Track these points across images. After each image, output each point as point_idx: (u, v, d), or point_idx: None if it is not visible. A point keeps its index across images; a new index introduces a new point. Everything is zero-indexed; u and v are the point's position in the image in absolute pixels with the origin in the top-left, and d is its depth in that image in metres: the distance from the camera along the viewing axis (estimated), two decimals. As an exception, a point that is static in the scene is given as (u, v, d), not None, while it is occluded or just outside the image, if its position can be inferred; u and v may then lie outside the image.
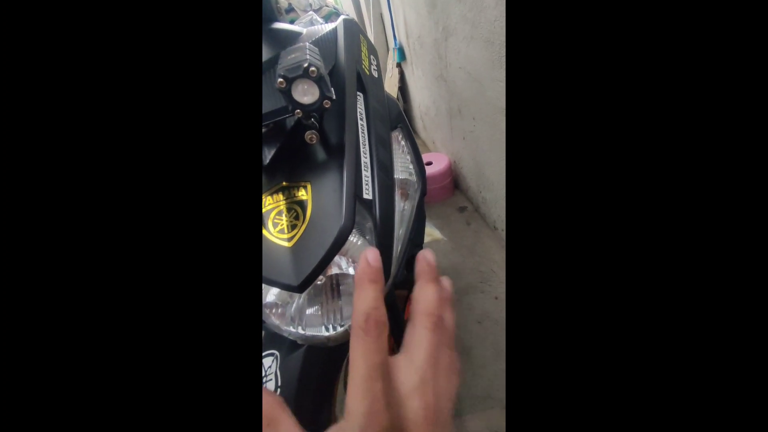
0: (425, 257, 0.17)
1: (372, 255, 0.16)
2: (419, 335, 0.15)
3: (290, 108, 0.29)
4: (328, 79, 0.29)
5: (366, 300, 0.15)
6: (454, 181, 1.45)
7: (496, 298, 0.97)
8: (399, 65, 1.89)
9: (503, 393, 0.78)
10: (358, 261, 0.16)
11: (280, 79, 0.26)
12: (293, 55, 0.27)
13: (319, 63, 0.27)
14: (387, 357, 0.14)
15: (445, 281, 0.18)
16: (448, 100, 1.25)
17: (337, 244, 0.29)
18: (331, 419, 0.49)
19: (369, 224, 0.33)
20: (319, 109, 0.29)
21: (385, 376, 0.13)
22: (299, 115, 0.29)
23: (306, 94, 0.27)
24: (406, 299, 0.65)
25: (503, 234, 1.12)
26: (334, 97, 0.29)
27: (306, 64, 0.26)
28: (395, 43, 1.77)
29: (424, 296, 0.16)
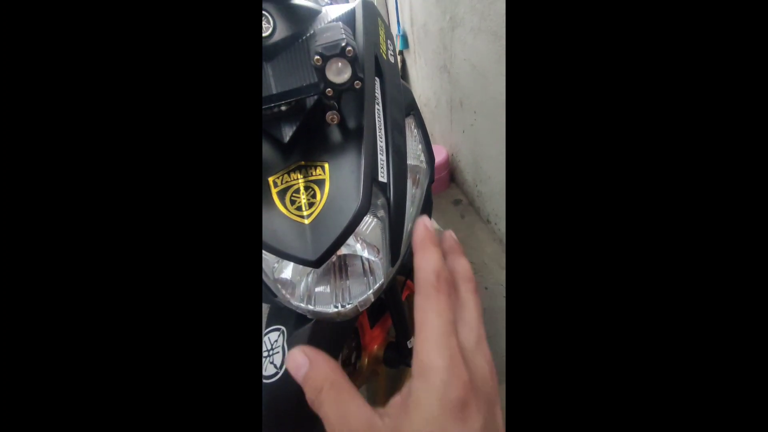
0: (424, 223, 0.17)
1: (427, 221, 0.17)
2: (464, 299, 0.16)
3: (322, 86, 0.29)
4: (362, 60, 0.29)
5: (432, 260, 0.15)
6: (450, 174, 1.47)
7: (486, 288, 1.01)
8: (401, 53, 1.87)
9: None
10: (415, 227, 0.16)
11: (317, 57, 0.27)
12: (329, 33, 0.27)
13: (355, 43, 0.28)
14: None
15: (448, 233, 0.18)
16: (450, 92, 1.25)
17: (354, 224, 0.31)
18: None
19: (381, 207, 0.34)
20: (350, 89, 0.29)
21: (457, 334, 0.13)
22: (330, 94, 0.29)
23: (340, 73, 0.28)
24: (403, 285, 0.67)
25: (496, 227, 1.15)
26: (365, 78, 0.30)
27: (344, 44, 0.26)
28: (399, 29, 1.74)
29: (458, 265, 0.17)
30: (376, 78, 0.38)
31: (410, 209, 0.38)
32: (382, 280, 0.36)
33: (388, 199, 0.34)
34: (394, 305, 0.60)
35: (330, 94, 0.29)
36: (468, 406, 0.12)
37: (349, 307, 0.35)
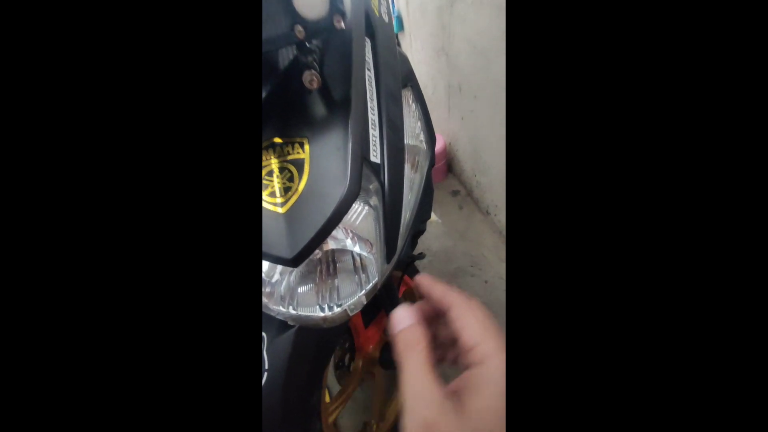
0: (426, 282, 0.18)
1: (427, 281, 0.18)
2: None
3: (289, 23, 0.22)
4: None
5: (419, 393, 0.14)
6: (448, 163, 1.41)
7: (486, 282, 0.97)
8: (396, 36, 1.78)
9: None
10: (396, 320, 0.16)
11: None
12: None
13: None
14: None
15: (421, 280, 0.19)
16: (447, 76, 1.19)
17: (340, 212, 0.25)
18: (321, 401, 0.47)
19: (374, 193, 0.28)
20: (328, 29, 0.22)
21: None
22: (301, 36, 0.22)
23: (312, 4, 0.21)
24: (400, 280, 0.62)
25: (496, 218, 1.11)
26: (347, 14, 0.23)
27: None
28: (393, 10, 1.65)
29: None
30: (367, 39, 0.32)
31: (408, 196, 0.32)
32: (376, 278, 0.30)
33: (381, 183, 0.28)
34: (390, 304, 0.55)
35: (301, 36, 0.22)
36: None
37: (337, 311, 0.30)
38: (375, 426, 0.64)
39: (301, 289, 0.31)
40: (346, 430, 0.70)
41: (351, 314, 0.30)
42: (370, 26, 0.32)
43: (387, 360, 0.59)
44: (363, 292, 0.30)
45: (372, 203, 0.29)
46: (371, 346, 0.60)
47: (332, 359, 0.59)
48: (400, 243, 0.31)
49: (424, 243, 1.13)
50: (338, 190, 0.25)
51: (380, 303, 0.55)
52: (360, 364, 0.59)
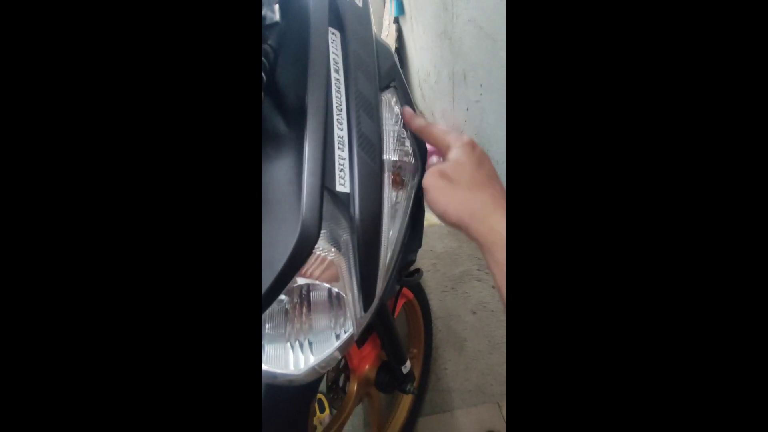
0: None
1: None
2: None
3: None
4: None
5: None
6: (453, 157, 1.33)
7: (494, 287, 0.91)
8: (396, 21, 1.66)
9: (496, 388, 0.75)
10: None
11: None
12: None
13: None
14: None
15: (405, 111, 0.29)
16: (451, 63, 1.09)
17: (294, 263, 0.20)
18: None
19: (343, 232, 0.23)
20: (284, 24, 0.18)
21: None
22: None
23: None
24: (397, 295, 0.57)
25: (504, 218, 1.04)
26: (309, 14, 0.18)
27: None
28: (393, -8, 1.53)
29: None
30: (334, 31, 0.25)
31: (389, 224, 0.27)
32: (352, 330, 0.25)
33: (352, 218, 0.23)
34: (383, 328, 0.50)
35: None
36: (475, 144, 0.26)
37: (306, 369, 0.25)
38: (373, 451, 0.61)
39: (269, 348, 0.26)
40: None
41: (322, 372, 0.25)
42: (337, 13, 0.25)
43: (384, 382, 0.55)
44: (337, 345, 0.25)
45: (341, 244, 0.23)
46: (367, 367, 0.56)
47: (325, 381, 0.55)
48: (380, 286, 0.26)
49: (428, 244, 1.08)
50: (291, 234, 0.20)
51: (373, 326, 0.51)
52: (355, 386, 0.55)
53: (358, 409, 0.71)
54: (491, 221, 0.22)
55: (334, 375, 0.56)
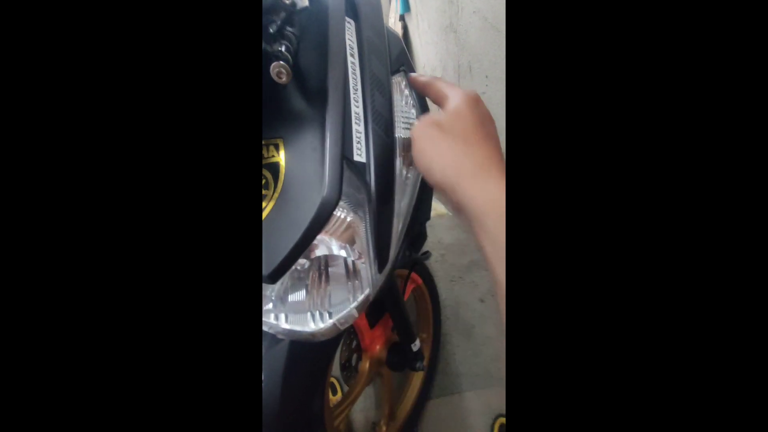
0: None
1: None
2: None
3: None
4: None
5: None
6: (460, 151, 1.34)
7: (501, 275, 0.92)
8: (402, 18, 1.68)
9: (504, 372, 0.76)
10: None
11: None
12: None
13: None
14: None
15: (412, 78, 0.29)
16: (457, 55, 1.10)
17: (318, 222, 0.22)
18: (324, 406, 0.46)
19: (362, 195, 0.25)
20: (307, 13, 0.20)
21: None
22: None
23: None
24: (407, 279, 0.59)
25: (511, 208, 1.05)
26: (329, 12, 0.20)
27: None
28: (399, -11, 1.55)
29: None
30: (349, 20, 0.28)
31: (401, 199, 0.29)
32: (368, 290, 0.28)
33: (368, 185, 0.25)
34: (394, 307, 0.52)
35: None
36: (480, 100, 0.23)
37: (326, 325, 0.27)
38: (384, 427, 0.63)
39: (291, 300, 0.29)
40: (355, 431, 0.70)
41: (342, 328, 0.28)
42: (353, 5, 0.28)
43: (394, 361, 0.57)
44: (354, 304, 0.28)
45: (358, 208, 0.25)
46: (378, 347, 0.58)
47: (338, 360, 0.58)
48: (393, 251, 0.28)
49: (436, 235, 1.09)
50: (315, 196, 0.22)
51: (384, 304, 0.53)
52: (367, 365, 0.57)
53: (370, 392, 0.74)
54: (481, 182, 0.18)
55: (348, 354, 0.59)
